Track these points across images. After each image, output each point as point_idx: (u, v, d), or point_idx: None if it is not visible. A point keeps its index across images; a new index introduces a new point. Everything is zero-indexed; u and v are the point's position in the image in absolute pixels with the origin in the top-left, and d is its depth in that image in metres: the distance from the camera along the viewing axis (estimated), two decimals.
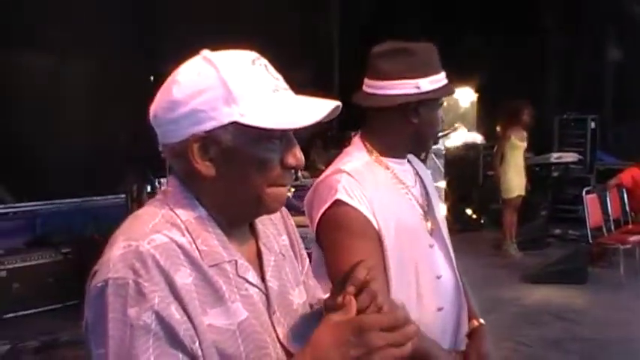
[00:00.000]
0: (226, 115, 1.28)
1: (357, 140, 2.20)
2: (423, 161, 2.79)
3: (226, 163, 1.31)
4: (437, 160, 15.15)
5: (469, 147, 12.61)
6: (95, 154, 8.01)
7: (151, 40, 8.96)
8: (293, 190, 6.43)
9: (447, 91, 2.17)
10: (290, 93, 1.37)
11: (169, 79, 1.34)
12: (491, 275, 8.56)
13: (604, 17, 13.07)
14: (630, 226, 9.15)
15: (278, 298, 1.42)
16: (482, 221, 11.90)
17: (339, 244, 1.97)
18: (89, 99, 8.34)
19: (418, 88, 2.07)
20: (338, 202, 1.98)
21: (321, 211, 2.00)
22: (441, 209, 2.37)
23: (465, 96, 12.50)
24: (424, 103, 2.11)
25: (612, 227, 9.01)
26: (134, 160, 7.14)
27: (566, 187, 11.59)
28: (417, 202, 2.19)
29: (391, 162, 2.17)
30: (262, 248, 1.45)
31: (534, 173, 10.85)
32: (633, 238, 8.39)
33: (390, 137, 2.16)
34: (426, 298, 2.10)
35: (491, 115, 9.49)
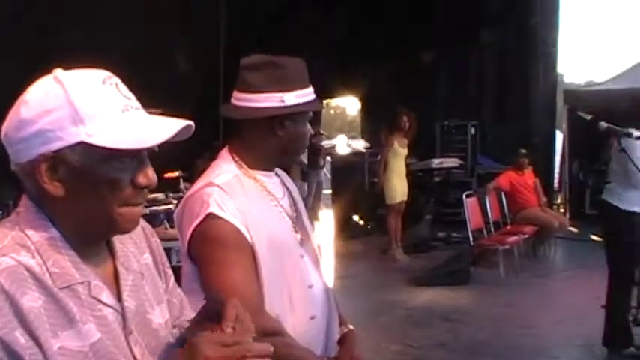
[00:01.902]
0: (74, 136, 1.27)
1: (225, 153, 2.20)
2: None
3: (76, 184, 1.30)
4: (327, 172, 15.42)
5: (355, 154, 12.83)
6: None
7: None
8: (175, 202, 6.37)
9: (312, 106, 2.19)
10: (141, 112, 1.36)
11: (20, 99, 1.31)
12: (379, 279, 8.76)
13: (484, 27, 13.59)
14: (509, 228, 9.56)
15: (135, 318, 1.40)
16: (369, 227, 12.13)
17: (213, 257, 1.99)
18: None
19: (283, 101, 2.09)
20: (211, 216, 1.98)
21: (194, 225, 1.99)
22: (318, 221, 2.43)
23: (351, 104, 12.68)
24: (289, 116, 2.12)
25: (492, 229, 9.38)
26: (8, 175, 6.90)
27: (449, 192, 11.97)
28: (287, 213, 2.22)
29: (259, 175, 2.18)
30: (120, 268, 1.43)
31: (417, 179, 11.18)
32: (511, 239, 8.77)
33: (258, 150, 2.17)
34: (298, 308, 2.14)
35: (375, 123, 9.72)
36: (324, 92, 15.99)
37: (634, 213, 5.30)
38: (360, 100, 16.27)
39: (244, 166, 2.16)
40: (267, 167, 2.22)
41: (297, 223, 2.28)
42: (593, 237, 9.84)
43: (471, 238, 8.95)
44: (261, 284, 2.03)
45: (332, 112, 53.39)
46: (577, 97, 13.32)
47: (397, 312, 7.31)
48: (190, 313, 1.68)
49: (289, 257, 2.17)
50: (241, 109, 2.13)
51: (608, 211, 5.60)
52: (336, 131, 45.54)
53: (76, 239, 1.34)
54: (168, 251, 4.95)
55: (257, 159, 2.17)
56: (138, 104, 1.37)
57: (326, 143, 16.90)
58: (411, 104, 10.18)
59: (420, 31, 13.33)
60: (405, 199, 9.80)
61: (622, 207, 5.45)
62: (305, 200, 14.18)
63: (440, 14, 13.91)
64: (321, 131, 15.60)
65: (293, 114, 2.12)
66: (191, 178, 9.15)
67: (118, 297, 1.39)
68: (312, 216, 13.70)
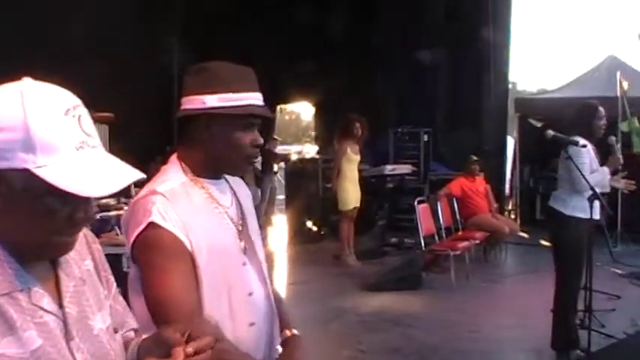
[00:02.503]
0: (21, 161, 1.24)
1: (174, 159, 2.21)
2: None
3: (13, 204, 1.28)
4: (280, 177, 15.41)
5: (308, 160, 12.83)
6: None
7: None
8: (126, 207, 6.29)
9: (239, 110, 2.12)
10: (97, 152, 1.34)
11: None
12: (331, 285, 8.76)
13: (435, 36, 13.73)
14: (460, 233, 9.66)
15: (77, 324, 1.40)
16: (322, 233, 12.14)
17: (153, 264, 2.02)
18: None
19: (204, 103, 2.09)
20: (152, 225, 2.00)
21: (136, 232, 2.02)
22: (259, 227, 2.44)
23: (306, 110, 12.72)
24: (214, 120, 2.11)
25: (444, 235, 9.47)
26: None
27: (402, 198, 12.05)
28: (232, 221, 2.23)
29: (206, 182, 2.19)
30: (61, 274, 1.42)
31: (371, 185, 11.22)
32: (462, 245, 8.87)
33: (195, 156, 2.17)
34: (238, 315, 2.16)
35: (329, 129, 9.75)
36: (278, 98, 16.10)
37: (580, 219, 5.39)
38: (314, 106, 16.29)
39: (190, 172, 2.17)
40: (212, 174, 2.22)
41: (243, 231, 2.27)
42: (543, 242, 9.97)
43: (423, 244, 9.01)
44: (200, 291, 2.05)
45: (286, 117, 53.59)
46: (528, 105, 13.58)
47: (349, 317, 7.32)
48: (133, 322, 1.70)
49: (230, 265, 2.18)
50: (179, 112, 2.16)
51: (554, 217, 5.70)
52: (290, 137, 45.65)
53: (13, 249, 1.33)
54: (119, 257, 4.95)
55: (198, 165, 2.18)
56: (96, 142, 1.34)
57: (282, 149, 16.92)
58: (364, 111, 10.23)
59: (371, 39, 13.47)
60: (358, 205, 9.84)
61: (567, 213, 5.55)
62: (259, 206, 14.19)
63: (390, 22, 14.03)
64: (275, 137, 15.62)
65: (219, 117, 2.11)
66: (143, 183, 9.06)
67: (60, 303, 1.38)
68: (266, 221, 13.69)
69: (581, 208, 5.30)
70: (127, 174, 1.34)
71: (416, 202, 9.29)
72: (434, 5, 13.79)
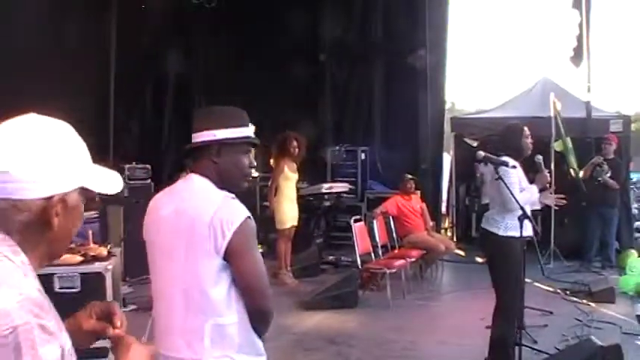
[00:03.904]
0: (78, 181, 1.56)
1: (197, 177, 2.77)
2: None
3: (65, 218, 1.53)
4: None
5: None
6: None
7: None
8: None
9: (243, 139, 2.83)
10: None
11: (31, 138, 1.49)
12: None
13: (374, 56, 13.85)
14: (396, 251, 9.70)
15: None
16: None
17: (253, 247, 2.70)
18: None
19: (215, 135, 2.75)
20: (249, 218, 2.65)
21: (237, 225, 2.59)
22: None
23: None
24: (223, 147, 2.76)
25: (380, 253, 9.49)
26: None
27: (339, 216, 12.07)
28: None
29: None
30: None
31: (308, 203, 11.20)
32: (398, 263, 8.90)
33: (208, 174, 2.76)
34: None
35: (266, 147, 9.70)
36: None
37: (513, 237, 5.46)
38: (252, 123, 16.22)
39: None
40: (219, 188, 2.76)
41: None
42: (479, 259, 10.09)
43: (359, 262, 9.02)
44: None
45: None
46: (463, 125, 13.76)
47: (286, 336, 7.25)
48: None
49: None
50: (192, 143, 2.83)
51: (488, 238, 5.76)
52: None
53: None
54: (50, 277, 4.78)
55: (212, 182, 2.77)
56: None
57: None
58: (301, 129, 10.22)
59: (308, 57, 13.55)
60: (296, 223, 9.80)
61: (500, 233, 5.62)
62: None
63: (330, 40, 14.13)
64: None
65: (227, 145, 2.77)
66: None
67: None
68: None
69: (514, 227, 5.38)
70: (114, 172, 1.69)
71: (352, 221, 9.30)
72: (372, 23, 13.94)
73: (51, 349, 1.31)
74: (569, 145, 11.17)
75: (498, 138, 6.08)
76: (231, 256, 2.58)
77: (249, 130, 2.85)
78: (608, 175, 10.71)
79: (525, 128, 5.89)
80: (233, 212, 2.61)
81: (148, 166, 10.18)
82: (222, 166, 2.75)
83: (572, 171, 11.04)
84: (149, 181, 10.02)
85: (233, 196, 2.71)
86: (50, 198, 1.47)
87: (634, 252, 11.27)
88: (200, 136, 2.78)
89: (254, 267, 2.65)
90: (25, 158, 1.45)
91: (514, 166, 5.53)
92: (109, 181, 1.62)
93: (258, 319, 2.70)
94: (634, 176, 16.01)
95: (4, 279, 1.36)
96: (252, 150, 2.93)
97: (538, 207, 5.98)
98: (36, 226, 1.48)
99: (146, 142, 12.59)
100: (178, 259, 2.64)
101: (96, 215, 8.08)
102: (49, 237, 1.51)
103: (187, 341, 2.63)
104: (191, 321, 2.63)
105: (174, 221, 2.68)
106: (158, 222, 2.76)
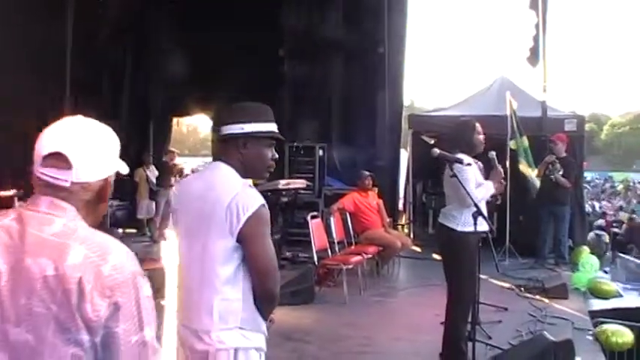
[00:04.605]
0: (116, 165, 2.07)
1: (222, 164, 3.01)
2: None
3: (100, 191, 2.01)
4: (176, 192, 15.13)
5: None
6: None
7: None
8: None
9: (266, 134, 3.05)
10: None
11: (101, 134, 2.02)
12: None
13: (333, 52, 13.85)
14: (353, 248, 9.71)
15: None
16: None
17: (266, 233, 2.88)
18: None
19: (242, 129, 2.99)
20: (263, 205, 2.86)
21: (252, 211, 2.80)
22: None
23: (204, 123, 12.60)
24: (249, 140, 3.00)
25: (337, 249, 9.49)
26: None
27: (297, 212, 12.04)
28: None
29: None
30: None
31: (265, 199, 11.08)
32: (355, 259, 8.90)
33: (233, 163, 2.99)
34: None
35: None
36: (175, 110, 15.88)
37: (470, 233, 5.50)
38: (212, 118, 16.15)
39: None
40: (242, 177, 3.01)
41: None
42: (435, 256, 10.15)
43: (316, 258, 9.01)
44: None
45: (184, 130, 53.01)
46: (421, 122, 13.83)
47: None
48: None
49: None
50: (221, 135, 3.05)
51: (445, 233, 5.79)
52: (188, 149, 45.11)
53: None
54: None
55: (236, 170, 3.00)
56: None
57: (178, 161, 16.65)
58: None
59: (269, 53, 13.51)
60: None
61: (458, 229, 5.65)
62: (152, 219, 13.91)
63: (288, 37, 14.12)
64: (172, 149, 15.35)
65: (253, 138, 3.01)
66: (27, 195, 8.80)
67: None
68: (160, 236, 13.42)
69: (471, 223, 5.41)
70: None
71: (309, 217, 9.28)
72: (332, 20, 13.93)
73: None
74: (525, 144, 11.31)
75: (451, 134, 6.12)
76: (244, 239, 2.83)
77: (273, 126, 3.09)
78: (560, 173, 10.86)
79: (477, 124, 5.94)
80: (249, 199, 2.84)
81: None
82: (247, 157, 3.01)
83: (523, 170, 11.18)
84: None
85: (251, 183, 3.02)
86: (106, 179, 1.98)
87: (586, 249, 11.48)
88: (229, 129, 3.02)
89: (264, 251, 2.87)
90: (89, 152, 1.92)
91: (469, 164, 5.57)
92: (123, 166, 2.05)
93: (264, 300, 2.93)
94: (588, 175, 16.29)
95: (109, 241, 1.88)
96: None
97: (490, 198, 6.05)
98: (94, 202, 1.96)
99: None
100: (199, 239, 2.92)
101: None
102: (98, 209, 2.00)
103: (200, 314, 2.91)
104: (204, 296, 2.90)
105: (200, 205, 2.95)
106: (187, 205, 3.06)
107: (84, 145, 1.91)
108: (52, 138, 1.89)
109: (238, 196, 2.84)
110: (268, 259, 2.89)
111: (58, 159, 1.87)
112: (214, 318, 2.88)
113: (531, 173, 11.18)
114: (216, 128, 3.10)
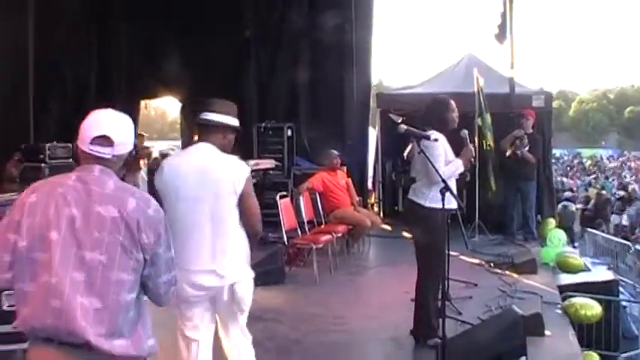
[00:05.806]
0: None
1: (209, 145, 4.03)
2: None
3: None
4: (144, 174, 14.99)
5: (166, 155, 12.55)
6: None
7: None
8: None
9: (236, 127, 4.17)
10: None
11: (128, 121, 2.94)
12: None
13: (299, 32, 13.74)
14: (322, 227, 9.68)
15: None
16: None
17: (253, 191, 4.03)
18: None
19: (226, 121, 4.10)
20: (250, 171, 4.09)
21: (246, 176, 3.96)
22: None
23: (172, 106, 12.50)
24: (228, 129, 4.10)
25: (307, 229, 9.46)
26: None
27: (266, 192, 11.96)
28: None
29: None
30: None
31: None
32: (325, 238, 8.88)
33: (216, 145, 4.03)
34: None
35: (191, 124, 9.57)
36: (142, 93, 15.68)
37: (438, 209, 5.48)
38: (181, 101, 15.98)
39: None
40: None
41: None
42: (405, 234, 10.16)
43: (285, 238, 8.97)
44: None
45: (152, 113, 52.54)
46: (389, 100, 13.76)
47: None
48: None
49: None
50: (213, 122, 4.08)
51: (414, 209, 5.79)
52: (156, 133, 44.69)
53: None
54: None
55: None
56: None
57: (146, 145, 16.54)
58: None
59: (233, 32, 13.40)
60: None
61: (427, 205, 5.66)
62: None
63: (256, 16, 14.00)
64: (141, 133, 15.19)
65: (230, 128, 4.11)
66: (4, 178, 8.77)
67: None
68: None
69: (439, 200, 5.40)
70: None
71: (278, 197, 9.22)
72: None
73: None
74: (488, 120, 11.33)
75: (425, 110, 6.10)
76: (242, 196, 3.93)
77: (237, 120, 4.16)
78: (527, 149, 10.91)
79: (452, 102, 5.94)
80: (243, 167, 4.02)
81: (70, 144, 10.07)
82: (225, 142, 4.09)
83: (485, 145, 11.22)
84: (70, 160, 10.08)
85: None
86: (131, 152, 2.87)
87: (552, 221, 11.57)
88: (218, 118, 4.05)
89: (254, 203, 4.02)
90: (123, 134, 2.79)
91: (436, 139, 5.55)
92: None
93: (253, 236, 4.08)
94: (556, 151, 16.43)
95: (145, 193, 2.83)
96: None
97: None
98: (121, 168, 2.85)
99: (67, 121, 12.30)
100: (208, 201, 3.89)
101: (16, 196, 7.88)
102: (122, 172, 2.87)
103: (213, 257, 3.91)
104: (217, 242, 3.91)
105: (201, 175, 3.91)
106: (184, 177, 3.94)
107: (119, 130, 2.79)
108: (97, 124, 2.75)
109: (237, 167, 3.97)
110: (256, 208, 4.03)
111: (103, 139, 2.72)
112: (227, 256, 3.94)
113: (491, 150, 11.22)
114: (202, 116, 4.08)
